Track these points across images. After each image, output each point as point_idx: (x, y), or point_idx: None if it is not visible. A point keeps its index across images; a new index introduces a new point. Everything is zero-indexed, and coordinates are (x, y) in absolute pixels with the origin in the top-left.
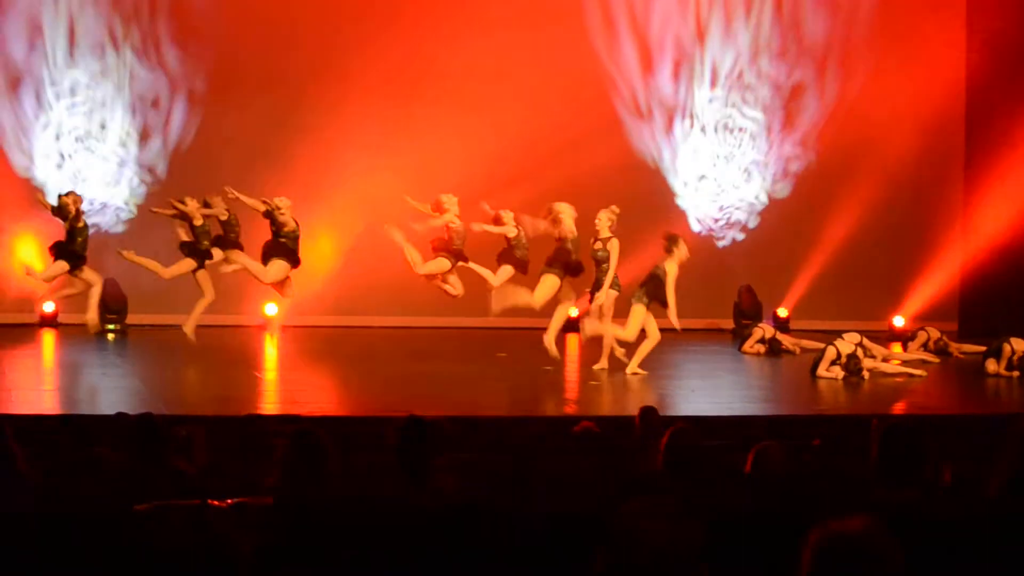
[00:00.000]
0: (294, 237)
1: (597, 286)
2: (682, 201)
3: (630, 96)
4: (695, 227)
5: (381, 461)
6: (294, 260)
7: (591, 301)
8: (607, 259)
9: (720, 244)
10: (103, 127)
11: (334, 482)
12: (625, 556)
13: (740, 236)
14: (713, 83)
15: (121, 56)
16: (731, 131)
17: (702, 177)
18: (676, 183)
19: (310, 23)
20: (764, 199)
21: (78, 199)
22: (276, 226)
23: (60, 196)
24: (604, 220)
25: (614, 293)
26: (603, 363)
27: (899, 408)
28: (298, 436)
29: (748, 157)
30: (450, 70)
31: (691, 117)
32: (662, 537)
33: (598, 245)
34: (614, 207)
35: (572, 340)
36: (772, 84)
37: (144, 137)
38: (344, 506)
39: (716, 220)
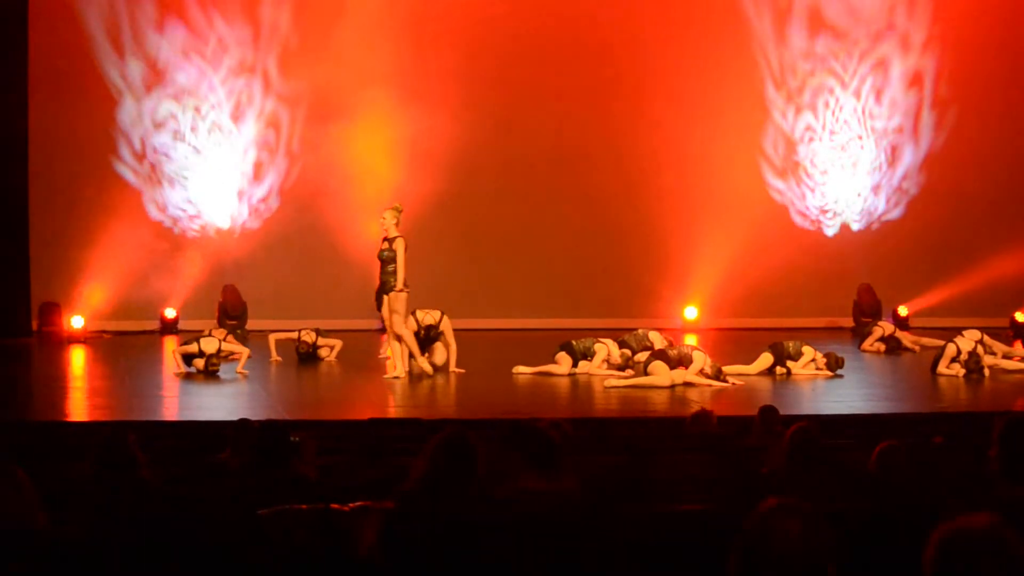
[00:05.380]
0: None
1: (383, 288)
2: (780, 196)
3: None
4: (798, 221)
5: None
6: None
7: (378, 307)
8: (393, 259)
9: (829, 233)
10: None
11: (480, 485)
12: (758, 556)
13: (854, 227)
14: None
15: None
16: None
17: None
18: (773, 177)
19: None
20: (877, 204)
21: None
22: None
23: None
24: (389, 219)
25: (403, 295)
26: (399, 370)
27: (1021, 405)
28: (452, 434)
29: (865, 166)
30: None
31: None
32: (796, 538)
33: (384, 245)
34: (397, 205)
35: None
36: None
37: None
38: (473, 507)
39: (823, 211)
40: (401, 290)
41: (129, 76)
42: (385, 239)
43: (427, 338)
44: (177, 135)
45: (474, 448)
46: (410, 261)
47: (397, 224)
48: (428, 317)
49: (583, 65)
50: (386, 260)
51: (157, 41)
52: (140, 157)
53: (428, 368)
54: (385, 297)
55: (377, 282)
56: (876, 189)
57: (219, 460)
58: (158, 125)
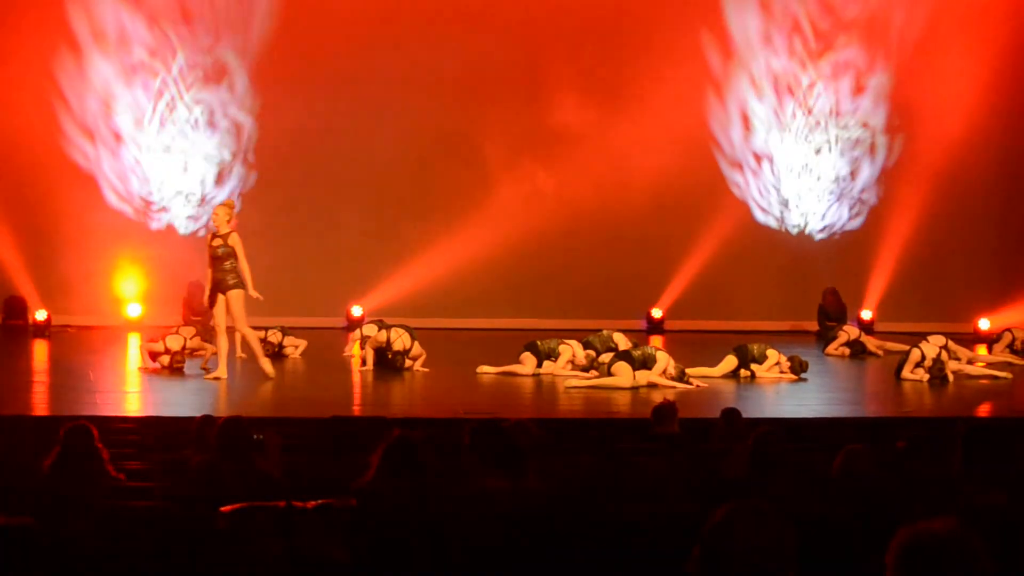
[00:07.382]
0: None
1: (219, 286)
2: (740, 191)
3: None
4: (760, 218)
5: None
6: None
7: (210, 304)
8: (230, 255)
9: (793, 231)
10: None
11: (430, 482)
12: (720, 559)
13: (816, 236)
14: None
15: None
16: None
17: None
18: (730, 169)
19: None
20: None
21: None
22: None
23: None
24: (222, 216)
25: (242, 292)
26: (222, 371)
27: (984, 410)
28: (398, 438)
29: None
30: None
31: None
32: (758, 541)
33: (217, 242)
34: (228, 201)
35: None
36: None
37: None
38: (437, 505)
39: (785, 207)
40: (235, 287)
41: (94, 66)
42: (216, 235)
43: (392, 363)
44: (140, 130)
45: (420, 450)
46: (372, 262)
47: (229, 221)
48: (399, 341)
49: (542, 60)
50: (221, 257)
51: (125, 31)
52: (101, 148)
53: (270, 370)
54: (221, 296)
55: (209, 281)
56: (839, 198)
57: (182, 456)
58: (121, 117)
